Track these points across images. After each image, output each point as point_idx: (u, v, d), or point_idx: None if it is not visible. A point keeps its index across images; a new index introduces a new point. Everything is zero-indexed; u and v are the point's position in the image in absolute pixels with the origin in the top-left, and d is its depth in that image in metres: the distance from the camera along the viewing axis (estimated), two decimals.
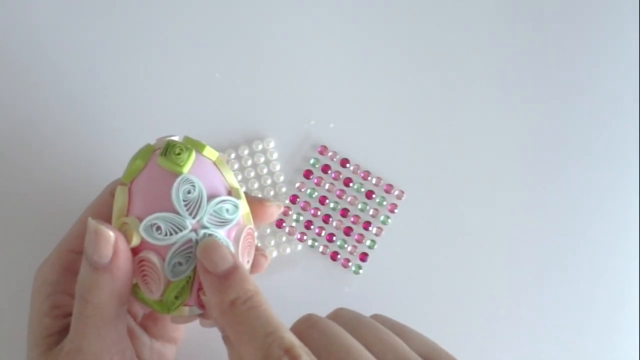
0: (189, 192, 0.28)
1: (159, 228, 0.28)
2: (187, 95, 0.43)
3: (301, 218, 0.42)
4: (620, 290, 0.43)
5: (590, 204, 0.44)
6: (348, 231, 0.42)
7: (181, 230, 0.28)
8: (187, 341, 0.38)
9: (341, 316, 0.29)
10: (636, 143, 0.45)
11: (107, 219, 0.30)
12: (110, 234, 0.28)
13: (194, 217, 0.29)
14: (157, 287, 0.29)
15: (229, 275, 0.27)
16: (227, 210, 0.29)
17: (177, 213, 0.28)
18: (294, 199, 0.42)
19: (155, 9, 0.44)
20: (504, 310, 0.42)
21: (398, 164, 0.43)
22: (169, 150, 0.29)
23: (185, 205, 0.28)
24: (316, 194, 0.43)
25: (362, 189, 0.43)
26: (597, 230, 0.44)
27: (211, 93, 0.43)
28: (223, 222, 0.29)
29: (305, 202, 0.42)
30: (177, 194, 0.28)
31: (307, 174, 0.43)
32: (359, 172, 0.43)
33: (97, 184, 0.34)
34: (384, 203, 0.43)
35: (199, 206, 0.29)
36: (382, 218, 0.43)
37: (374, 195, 0.43)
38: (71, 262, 0.32)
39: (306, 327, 0.27)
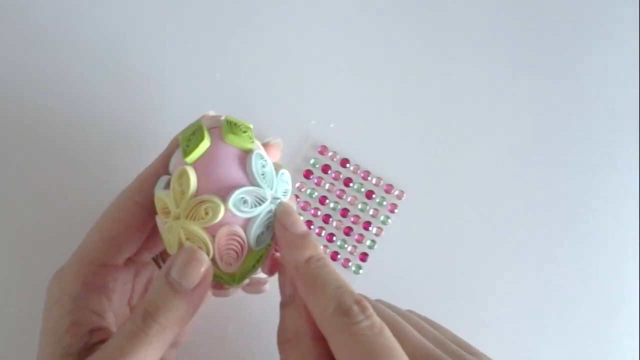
0: (263, 167, 0.30)
1: (245, 202, 0.29)
2: (187, 95, 0.43)
3: (301, 218, 0.42)
4: (620, 290, 0.43)
5: (591, 204, 0.44)
6: (348, 231, 0.42)
7: (264, 202, 0.30)
8: (187, 342, 0.38)
9: (381, 302, 0.32)
10: (636, 144, 0.45)
11: (132, 218, 0.31)
12: (207, 260, 0.29)
13: (271, 189, 0.30)
14: (240, 258, 0.30)
15: (306, 236, 0.30)
16: (286, 182, 0.32)
17: (259, 186, 0.30)
18: (294, 199, 0.42)
19: (155, 9, 0.44)
20: (504, 309, 0.42)
21: (398, 164, 0.43)
22: (236, 129, 0.30)
23: (264, 179, 0.30)
24: (316, 194, 0.43)
25: (362, 189, 0.43)
26: (597, 230, 0.44)
27: (211, 93, 0.43)
28: (286, 192, 0.32)
29: (305, 202, 0.42)
30: (257, 168, 0.30)
31: (307, 174, 0.43)
32: (359, 172, 0.43)
33: (100, 186, 0.34)
34: (384, 203, 0.43)
35: (272, 179, 0.31)
36: (382, 218, 0.43)
37: (374, 195, 0.43)
38: (91, 275, 0.31)
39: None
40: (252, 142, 0.30)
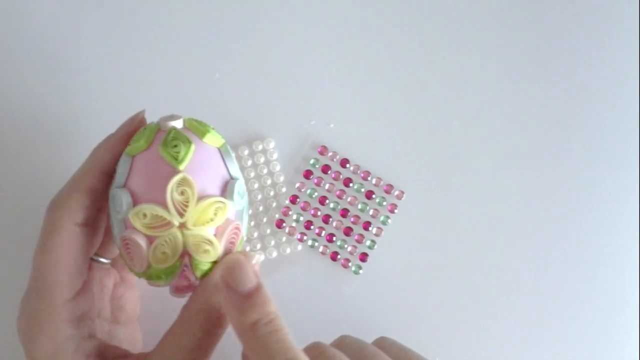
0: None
1: (240, 194, 0.30)
2: (187, 96, 0.43)
3: (301, 218, 0.42)
4: (620, 290, 0.43)
5: (591, 204, 0.44)
6: (348, 231, 0.42)
7: (245, 191, 0.31)
8: None
9: (346, 344, 0.30)
10: (636, 143, 0.45)
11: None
12: (254, 256, 0.29)
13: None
14: (235, 249, 0.31)
15: (252, 295, 0.27)
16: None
17: (238, 177, 0.31)
18: (294, 199, 0.42)
19: (154, 9, 0.44)
20: (504, 310, 0.42)
21: (398, 164, 0.43)
22: (208, 128, 0.30)
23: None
24: (316, 194, 0.43)
25: (362, 189, 0.43)
26: (597, 230, 0.44)
27: (211, 93, 0.43)
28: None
29: (305, 202, 0.42)
30: (234, 161, 0.31)
31: (307, 174, 0.43)
32: (359, 172, 0.43)
33: None
34: (384, 203, 0.43)
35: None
36: (382, 218, 0.43)
37: (373, 196, 0.43)
38: (90, 217, 0.31)
39: (314, 356, 0.28)
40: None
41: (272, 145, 0.43)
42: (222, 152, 0.31)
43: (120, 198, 0.29)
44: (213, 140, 0.31)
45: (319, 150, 0.43)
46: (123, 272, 0.37)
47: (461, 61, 0.45)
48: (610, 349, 0.43)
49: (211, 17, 0.44)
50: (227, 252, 0.30)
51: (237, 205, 0.30)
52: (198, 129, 0.31)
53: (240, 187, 0.30)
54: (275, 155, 0.43)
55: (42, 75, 0.43)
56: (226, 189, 0.30)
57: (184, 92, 0.43)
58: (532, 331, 0.42)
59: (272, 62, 0.44)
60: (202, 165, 0.30)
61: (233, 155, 0.32)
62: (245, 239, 0.33)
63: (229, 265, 0.28)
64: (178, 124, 0.31)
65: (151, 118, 0.42)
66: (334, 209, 0.42)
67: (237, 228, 0.30)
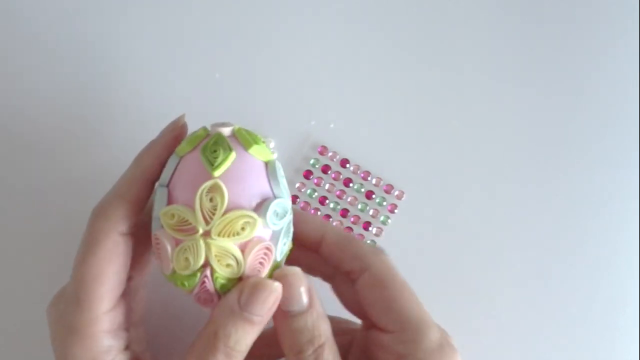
0: (282, 177, 0.30)
1: (277, 214, 0.29)
2: (186, 96, 0.43)
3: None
4: (620, 290, 0.43)
5: (591, 205, 0.44)
6: (348, 232, 0.42)
7: (287, 212, 0.30)
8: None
9: None
10: (636, 143, 0.45)
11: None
12: (280, 289, 0.29)
13: (289, 198, 0.30)
14: (264, 272, 0.30)
15: (302, 316, 0.29)
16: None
17: (283, 197, 0.30)
18: (294, 199, 0.42)
19: (155, 9, 0.44)
20: (504, 309, 0.42)
21: (398, 164, 0.43)
22: (257, 139, 0.30)
23: (285, 189, 0.30)
24: (316, 194, 0.43)
25: (362, 190, 0.43)
26: (597, 231, 0.44)
27: (211, 93, 0.43)
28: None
29: (305, 202, 0.42)
30: (281, 180, 0.30)
31: (307, 174, 0.43)
32: (359, 172, 0.43)
33: (89, 191, 0.34)
34: (384, 203, 0.43)
35: (286, 187, 0.30)
36: (382, 218, 0.43)
37: (373, 196, 0.43)
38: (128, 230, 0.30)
39: None
40: (272, 152, 0.30)
41: (272, 145, 0.43)
42: (269, 167, 0.30)
43: (159, 195, 0.29)
44: (260, 153, 0.30)
45: (319, 150, 0.43)
46: None
47: (461, 61, 0.45)
48: (611, 349, 0.43)
49: (211, 17, 0.44)
50: (253, 272, 0.29)
51: (272, 225, 0.29)
52: (246, 139, 0.30)
53: (280, 207, 0.29)
54: (275, 155, 0.43)
55: (42, 77, 0.43)
56: (261, 206, 0.29)
57: (184, 92, 0.43)
58: (533, 331, 0.42)
59: (272, 62, 0.44)
60: (241, 176, 0.29)
61: (281, 173, 0.30)
62: (281, 264, 0.31)
63: (278, 286, 0.29)
64: (226, 131, 0.30)
65: (150, 118, 0.42)
66: (334, 209, 0.42)
67: (267, 249, 0.29)
